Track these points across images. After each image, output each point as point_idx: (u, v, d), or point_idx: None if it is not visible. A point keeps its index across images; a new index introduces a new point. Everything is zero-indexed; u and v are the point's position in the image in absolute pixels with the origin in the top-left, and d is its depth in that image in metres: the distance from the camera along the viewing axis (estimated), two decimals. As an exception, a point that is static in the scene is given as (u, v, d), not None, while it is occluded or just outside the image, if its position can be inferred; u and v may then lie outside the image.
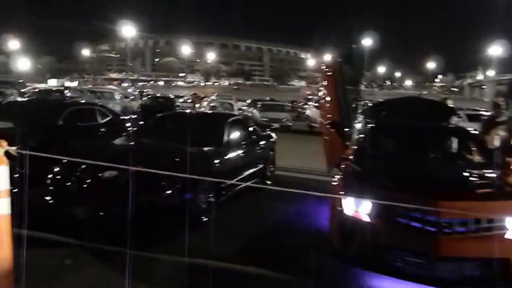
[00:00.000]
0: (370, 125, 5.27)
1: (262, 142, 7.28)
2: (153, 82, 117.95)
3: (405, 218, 3.69)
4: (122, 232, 4.72)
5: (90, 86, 67.92)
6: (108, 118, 8.39)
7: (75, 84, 79.20)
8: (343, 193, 3.99)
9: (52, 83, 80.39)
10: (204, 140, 5.90)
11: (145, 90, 52.61)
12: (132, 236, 4.70)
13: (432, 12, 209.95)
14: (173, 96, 28.13)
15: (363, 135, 5.11)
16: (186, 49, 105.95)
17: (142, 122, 9.63)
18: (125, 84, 75.33)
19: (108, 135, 7.61)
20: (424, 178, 4.14)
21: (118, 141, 6.25)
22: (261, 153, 7.16)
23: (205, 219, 5.22)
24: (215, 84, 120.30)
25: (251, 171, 6.63)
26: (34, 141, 6.51)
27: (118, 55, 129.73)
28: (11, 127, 6.65)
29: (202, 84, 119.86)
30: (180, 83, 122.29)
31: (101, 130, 8.04)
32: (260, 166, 7.04)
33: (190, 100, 38.24)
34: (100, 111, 8.34)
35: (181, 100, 36.45)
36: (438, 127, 5.60)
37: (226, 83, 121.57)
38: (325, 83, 5.68)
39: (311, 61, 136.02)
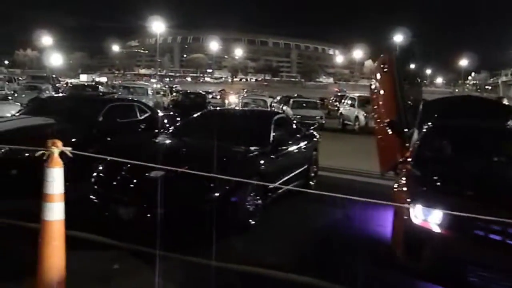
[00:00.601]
0: (431, 126, 4.89)
1: (306, 142, 6.98)
2: (181, 78, 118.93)
3: (483, 230, 3.33)
4: (169, 234, 4.55)
5: (120, 81, 69.14)
6: (146, 115, 8.25)
7: (104, 79, 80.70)
8: (410, 200, 3.66)
9: (83, 78, 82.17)
10: (250, 139, 5.65)
11: (173, 86, 52.88)
12: (179, 239, 4.53)
13: (465, 8, 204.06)
14: (204, 92, 27.88)
15: (424, 136, 4.73)
16: (214, 45, 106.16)
17: (178, 119, 9.45)
18: (153, 80, 76.24)
19: (147, 132, 7.47)
20: (501, 185, 3.77)
21: (160, 139, 6.06)
22: (305, 153, 6.87)
23: (253, 222, 4.97)
24: (242, 80, 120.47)
25: (296, 172, 6.35)
26: (75, 138, 6.43)
27: (147, 51, 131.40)
28: (52, 123, 6.57)
29: (229, 80, 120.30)
30: (208, 79, 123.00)
31: (141, 126, 7.91)
32: (305, 166, 6.74)
33: (218, 96, 38.22)
34: (138, 107, 8.21)
35: (209, 96, 36.44)
36: (505, 128, 5.18)
37: (254, 79, 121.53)
38: (381, 80, 5.34)
39: (339, 58, 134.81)
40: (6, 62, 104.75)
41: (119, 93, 17.73)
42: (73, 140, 6.35)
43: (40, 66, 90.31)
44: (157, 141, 5.89)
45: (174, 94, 31.48)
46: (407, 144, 4.74)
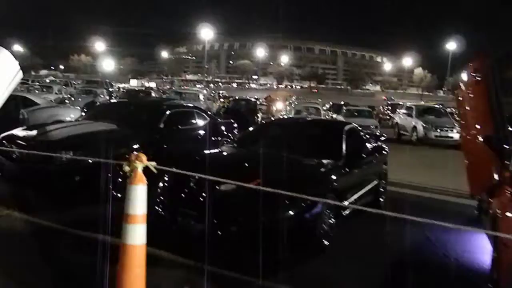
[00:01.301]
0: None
1: (376, 154, 6.49)
2: (226, 84, 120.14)
3: None
4: (239, 254, 4.22)
5: (168, 86, 70.47)
6: (206, 121, 8.03)
7: (153, 84, 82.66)
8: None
9: (133, 83, 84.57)
10: (321, 151, 5.25)
11: (220, 92, 53.23)
12: (250, 259, 4.18)
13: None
14: (255, 99, 27.50)
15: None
16: (260, 52, 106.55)
17: (236, 126, 9.17)
18: (199, 86, 77.21)
19: (209, 140, 7.23)
20: None
21: (226, 149, 5.76)
22: (376, 167, 6.38)
23: (327, 243, 4.56)
24: (287, 87, 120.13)
25: (368, 187, 5.88)
26: (137, 145, 6.27)
27: (194, 57, 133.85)
28: (115, 129, 6.45)
29: (274, 86, 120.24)
30: (253, 85, 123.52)
31: (201, 134, 7.69)
32: (375, 181, 6.26)
33: (265, 103, 37.75)
34: (198, 113, 8.01)
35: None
36: None
37: (299, 86, 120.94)
38: (473, 89, 4.80)
39: (387, 65, 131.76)
40: (62, 67, 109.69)
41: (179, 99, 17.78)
42: (135, 146, 6.22)
43: (93, 71, 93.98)
44: (223, 151, 5.60)
45: (221, 100, 31.45)
46: (507, 163, 4.18)
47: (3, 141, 6.07)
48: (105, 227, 4.88)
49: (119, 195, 5.92)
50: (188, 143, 7.03)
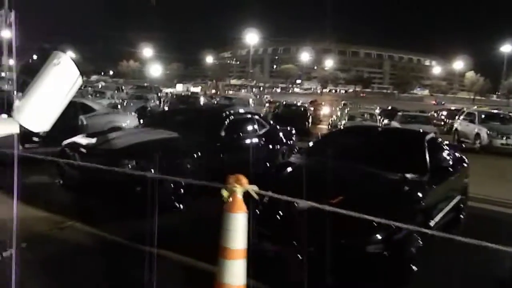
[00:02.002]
0: None
1: (458, 167, 5.88)
2: (270, 88, 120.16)
3: None
4: (320, 280, 3.79)
5: (213, 91, 71.10)
6: (265, 129, 7.68)
7: (199, 89, 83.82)
8: None
9: (179, 88, 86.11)
10: (403, 164, 4.73)
11: (264, 97, 52.90)
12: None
13: None
14: (307, 104, 26.75)
15: None
16: (304, 56, 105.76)
17: (294, 132, 8.75)
18: (243, 90, 77.30)
19: (271, 149, 6.89)
20: None
21: (298, 160, 5.33)
22: (458, 181, 5.78)
23: (415, 269, 4.04)
24: (331, 91, 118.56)
25: (451, 205, 5.31)
26: (199, 154, 5.99)
27: (238, 62, 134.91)
28: (177, 137, 6.21)
29: (318, 91, 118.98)
30: (296, 90, 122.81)
31: (261, 142, 7.34)
32: (457, 197, 5.66)
33: (312, 108, 36.87)
34: (258, 120, 7.67)
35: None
36: None
37: (344, 90, 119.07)
38: None
39: (436, 69, 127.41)
40: (111, 72, 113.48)
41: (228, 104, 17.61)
42: (196, 155, 5.95)
43: (141, 77, 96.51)
44: (295, 162, 5.17)
45: (267, 105, 30.91)
46: None
47: (66, 148, 5.96)
48: (170, 242, 4.61)
49: (181, 206, 5.67)
50: (250, 152, 6.68)
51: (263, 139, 7.43)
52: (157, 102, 22.17)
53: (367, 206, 3.80)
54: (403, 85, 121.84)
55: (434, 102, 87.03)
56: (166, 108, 20.20)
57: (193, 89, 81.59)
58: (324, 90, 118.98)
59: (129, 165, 5.30)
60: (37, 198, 5.74)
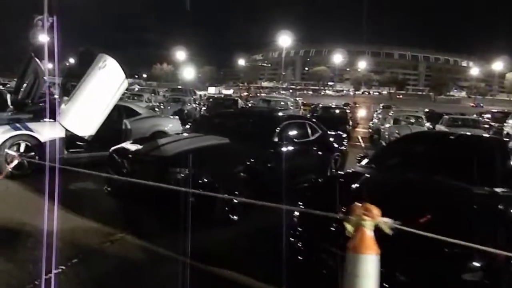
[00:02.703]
0: None
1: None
2: (301, 90, 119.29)
3: None
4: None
5: (246, 93, 70.81)
6: (318, 134, 7.23)
7: (231, 91, 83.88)
8: None
9: (211, 90, 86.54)
10: (488, 177, 4.19)
11: (297, 99, 52.10)
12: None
13: None
14: (348, 107, 25.70)
15: None
16: (337, 58, 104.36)
17: (345, 136, 8.24)
18: (275, 93, 76.30)
19: (324, 156, 6.44)
20: None
21: (365, 170, 4.80)
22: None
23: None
24: (364, 93, 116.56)
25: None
26: (251, 161, 5.61)
27: (269, 65, 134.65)
28: (228, 143, 5.84)
29: (351, 93, 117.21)
30: (328, 92, 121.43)
31: (314, 148, 6.91)
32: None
33: (349, 111, 35.58)
34: (310, 125, 7.22)
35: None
36: None
37: (377, 92, 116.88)
38: None
39: (474, 70, 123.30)
40: (144, 75, 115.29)
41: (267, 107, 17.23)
42: (249, 162, 5.57)
43: (174, 79, 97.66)
44: (363, 173, 4.66)
45: (302, 107, 30.17)
46: None
47: (114, 154, 5.69)
48: (226, 259, 4.24)
49: (235, 217, 5.30)
50: (304, 159, 6.28)
51: (316, 144, 6.98)
52: (194, 105, 22.00)
53: (459, 226, 3.33)
54: (439, 87, 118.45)
55: (472, 104, 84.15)
56: (204, 111, 19.99)
57: (225, 92, 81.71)
58: (357, 92, 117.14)
59: (181, 174, 4.95)
60: (85, 206, 5.51)
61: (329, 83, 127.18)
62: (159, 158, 5.29)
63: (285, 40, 70.40)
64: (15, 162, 6.86)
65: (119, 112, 8.28)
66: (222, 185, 5.07)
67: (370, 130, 21.14)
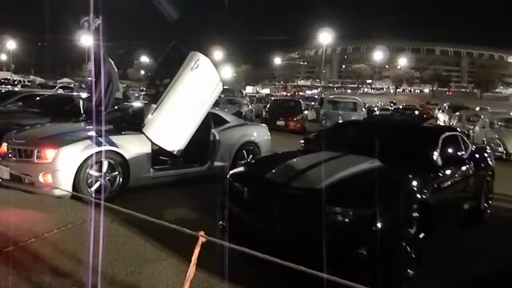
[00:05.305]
0: None
1: None
2: (338, 88, 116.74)
3: None
4: None
5: (283, 93, 69.16)
6: (470, 150, 5.68)
7: (267, 90, 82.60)
8: None
9: (248, 89, 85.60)
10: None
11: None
12: None
13: None
14: (424, 110, 23.05)
15: None
16: (377, 55, 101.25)
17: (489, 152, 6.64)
18: (308, 92, 74.21)
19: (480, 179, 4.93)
20: None
21: None
22: None
23: None
24: (405, 90, 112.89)
25: None
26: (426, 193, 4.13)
27: (306, 63, 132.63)
28: (381, 167, 4.36)
29: (391, 91, 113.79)
30: (367, 90, 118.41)
31: (472, 169, 5.37)
32: None
33: (417, 113, 30.37)
34: (462, 138, 5.66)
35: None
36: None
37: (418, 90, 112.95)
38: None
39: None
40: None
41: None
42: (420, 195, 4.08)
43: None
44: None
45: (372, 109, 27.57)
46: None
47: (235, 182, 4.30)
48: None
49: (411, 273, 3.85)
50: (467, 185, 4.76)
51: (472, 164, 5.43)
52: (250, 107, 20.64)
53: None
54: (485, 83, 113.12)
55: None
56: (265, 114, 18.45)
57: (262, 91, 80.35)
58: (398, 90, 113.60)
59: (346, 219, 3.51)
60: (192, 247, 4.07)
61: (367, 81, 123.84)
62: (306, 191, 3.84)
63: (325, 37, 68.19)
64: (97, 184, 5.68)
65: (207, 121, 6.93)
66: (403, 232, 3.62)
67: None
